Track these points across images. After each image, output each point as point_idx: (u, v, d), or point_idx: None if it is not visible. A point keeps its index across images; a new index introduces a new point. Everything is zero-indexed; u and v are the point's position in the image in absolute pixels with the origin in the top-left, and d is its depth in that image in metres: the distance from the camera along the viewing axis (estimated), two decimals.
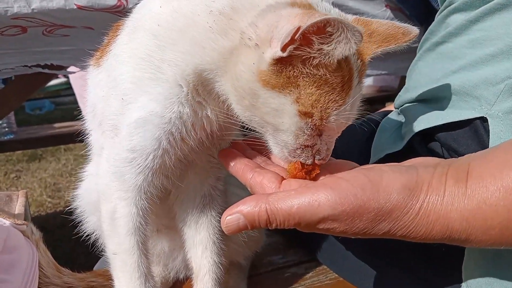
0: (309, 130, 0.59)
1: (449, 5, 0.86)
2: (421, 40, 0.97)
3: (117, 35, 0.73)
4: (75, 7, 1.13)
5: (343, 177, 0.55)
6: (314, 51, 0.54)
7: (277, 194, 0.56)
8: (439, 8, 0.98)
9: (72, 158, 3.84)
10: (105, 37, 0.80)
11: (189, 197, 0.80)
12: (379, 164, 0.60)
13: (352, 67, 0.59)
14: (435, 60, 0.87)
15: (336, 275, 0.99)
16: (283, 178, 0.63)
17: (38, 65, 1.35)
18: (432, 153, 0.80)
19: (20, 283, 0.74)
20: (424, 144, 0.82)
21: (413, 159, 0.62)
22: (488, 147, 0.70)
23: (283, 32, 0.53)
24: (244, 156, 0.70)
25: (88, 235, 0.91)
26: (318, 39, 0.53)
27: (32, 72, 1.37)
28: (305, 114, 0.58)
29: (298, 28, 0.51)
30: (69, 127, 2.67)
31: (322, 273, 1.00)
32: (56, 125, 2.69)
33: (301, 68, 0.56)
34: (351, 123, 0.63)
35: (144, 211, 0.72)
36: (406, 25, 0.66)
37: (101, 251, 0.96)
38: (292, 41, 0.53)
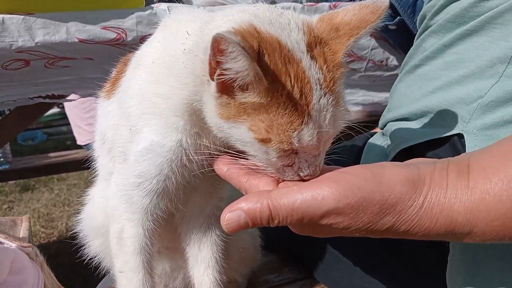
0: (275, 154, 0.59)
1: (426, 29, 0.94)
2: (402, 64, 1.05)
3: (125, 69, 0.80)
4: (77, 40, 1.19)
5: (346, 171, 0.55)
6: (229, 72, 0.55)
7: (280, 190, 0.55)
8: None
9: (65, 188, 3.84)
10: (113, 69, 0.87)
11: (193, 217, 0.84)
12: (378, 163, 0.59)
13: (307, 79, 0.57)
14: (414, 81, 0.94)
15: None
16: (278, 182, 0.62)
17: (39, 96, 1.40)
18: None
19: None
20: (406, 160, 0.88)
21: (409, 160, 0.61)
22: None
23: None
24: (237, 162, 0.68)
25: (90, 259, 0.95)
26: (223, 59, 0.54)
27: (33, 103, 1.42)
28: (263, 141, 0.58)
29: (209, 55, 0.55)
30: (64, 156, 2.70)
31: None
32: (51, 154, 2.72)
33: (241, 95, 0.57)
34: (331, 137, 0.62)
35: (150, 232, 0.77)
36: (372, 2, 0.62)
37: (99, 274, 1.00)
38: (212, 68, 0.56)
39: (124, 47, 1.28)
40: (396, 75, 1.66)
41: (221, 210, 0.82)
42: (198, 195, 0.83)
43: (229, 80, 0.56)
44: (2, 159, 2.44)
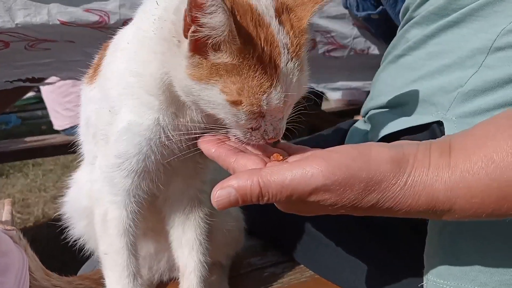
0: (244, 116, 0.61)
1: (410, 20, 0.96)
2: (384, 54, 1.07)
3: (104, 56, 0.80)
4: (58, 22, 1.17)
5: (334, 150, 0.57)
6: (205, 29, 0.56)
7: (270, 168, 0.57)
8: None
9: (40, 173, 3.78)
10: (95, 52, 0.87)
11: (176, 200, 0.86)
12: (365, 143, 0.61)
13: (276, 42, 0.59)
14: (397, 71, 0.96)
15: (312, 273, 1.05)
16: (266, 162, 0.64)
17: (19, 80, 1.38)
18: None
19: (13, 285, 0.77)
20: None
21: (394, 142, 0.64)
22: None
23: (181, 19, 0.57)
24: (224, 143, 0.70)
25: (74, 241, 0.95)
26: (200, 14, 0.55)
27: (12, 86, 1.39)
28: (234, 103, 0.60)
29: (185, 10, 0.56)
30: (40, 141, 2.66)
31: (299, 272, 1.06)
32: (27, 139, 2.67)
33: (214, 56, 0.59)
34: (294, 101, 0.65)
35: (133, 214, 0.78)
36: None
37: (79, 259, 1.00)
38: (187, 24, 0.57)
39: (106, 31, 1.27)
40: (377, 63, 1.69)
41: (204, 193, 0.86)
42: (180, 177, 0.84)
43: (203, 38, 0.57)
44: None
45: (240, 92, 0.59)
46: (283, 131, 0.65)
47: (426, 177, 0.54)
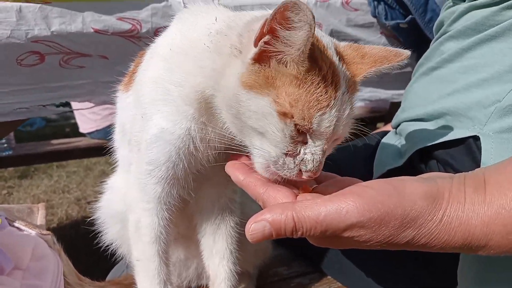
0: (290, 132, 0.60)
1: (444, 33, 0.95)
2: (416, 65, 1.06)
3: (141, 63, 0.81)
4: (92, 30, 1.20)
5: (368, 186, 0.56)
6: (281, 43, 0.57)
7: (304, 202, 0.56)
8: (433, 37, 1.07)
9: (64, 175, 3.85)
10: (132, 64, 0.88)
11: (208, 208, 0.86)
12: (398, 177, 0.60)
13: (337, 72, 0.61)
14: (430, 83, 0.96)
15: (340, 284, 1.05)
16: (296, 194, 0.63)
17: (52, 104, 1.40)
18: (430, 168, 0.87)
19: None
20: (421, 160, 0.90)
21: (425, 174, 0.64)
22: (480, 162, 0.78)
23: (256, 29, 0.59)
24: (254, 171, 0.70)
25: (106, 246, 0.97)
26: (281, 27, 0.56)
27: (46, 113, 1.41)
28: (284, 115, 0.59)
29: (265, 20, 0.56)
30: (67, 144, 2.70)
31: (326, 283, 1.06)
32: (54, 141, 2.72)
33: (277, 67, 0.59)
34: (340, 138, 0.65)
35: (165, 221, 0.79)
36: (397, 48, 0.69)
37: (104, 262, 1.01)
38: (261, 34, 0.58)
39: (138, 41, 1.29)
40: (405, 73, 1.68)
41: (234, 202, 0.87)
42: (210, 186, 0.85)
43: (273, 50, 0.58)
44: (5, 145, 2.44)
45: (294, 104, 0.58)
46: (321, 167, 0.63)
47: (462, 213, 0.53)
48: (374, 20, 1.59)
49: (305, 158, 0.62)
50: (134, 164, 0.81)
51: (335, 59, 0.62)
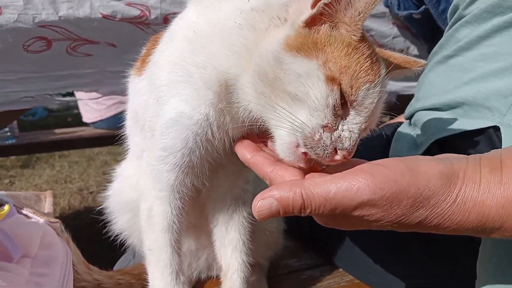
0: (334, 101, 0.57)
1: (460, 18, 0.93)
2: (430, 54, 1.04)
3: (156, 46, 0.79)
4: (100, 15, 1.17)
5: (380, 164, 0.54)
6: (343, 4, 0.57)
7: (313, 180, 0.54)
8: (446, 25, 1.05)
9: (66, 165, 3.85)
10: (142, 50, 0.86)
11: (220, 198, 0.84)
12: (411, 156, 0.59)
13: (378, 55, 0.62)
14: (446, 72, 0.93)
15: (352, 277, 1.03)
16: (305, 174, 0.61)
17: (58, 94, 1.38)
18: None
19: (59, 277, 0.77)
20: (439, 151, 0.88)
21: (439, 155, 0.61)
22: None
23: None
24: (261, 150, 0.68)
25: (116, 236, 0.95)
26: None
27: (52, 103, 1.39)
28: (332, 80, 0.57)
29: None
30: (70, 133, 2.69)
31: (338, 276, 1.04)
32: (57, 131, 2.70)
33: (329, 32, 0.59)
34: (372, 123, 0.63)
35: (177, 210, 0.77)
36: (415, 58, 0.72)
37: (108, 252, 0.99)
38: None
39: (147, 28, 1.27)
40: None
41: (247, 192, 0.85)
42: (224, 175, 0.83)
43: (329, 14, 0.58)
44: (9, 134, 2.42)
45: (343, 71, 0.57)
46: (355, 148, 0.60)
47: (477, 194, 0.51)
48: (386, 10, 1.56)
49: (342, 135, 0.59)
50: (147, 150, 0.79)
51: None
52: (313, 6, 0.58)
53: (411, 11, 1.48)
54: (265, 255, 1.00)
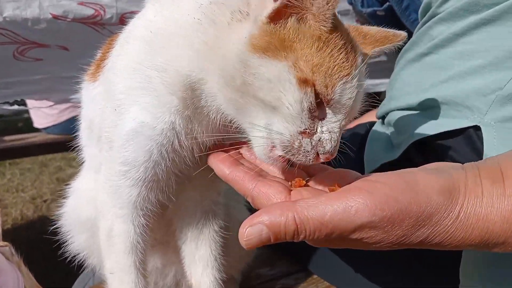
0: (309, 104, 0.52)
1: (433, 16, 0.91)
2: (402, 51, 1.01)
3: (112, 48, 0.72)
4: (50, 16, 1.08)
5: (378, 180, 0.50)
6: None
7: (306, 201, 0.50)
8: (410, 25, 1.03)
9: (18, 173, 3.65)
10: (99, 51, 0.79)
11: (189, 212, 0.78)
12: (406, 169, 0.55)
13: (354, 41, 0.57)
14: (421, 70, 0.91)
15: (328, 284, 0.99)
16: (290, 189, 0.57)
17: (6, 102, 1.26)
18: (427, 161, 0.82)
19: None
20: (417, 152, 0.85)
21: (431, 163, 0.58)
22: (482, 154, 0.73)
23: None
24: (240, 163, 0.63)
25: (73, 257, 0.87)
26: None
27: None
28: (304, 82, 0.52)
29: None
30: (21, 140, 2.53)
31: (313, 283, 1.00)
32: (7, 138, 2.53)
33: (296, 26, 0.53)
34: (352, 115, 0.58)
35: (141, 229, 0.70)
36: (393, 30, 0.68)
37: (62, 266, 0.91)
38: None
39: (102, 28, 1.18)
40: (380, 62, 1.63)
41: (218, 205, 0.80)
42: (192, 187, 0.77)
43: (294, 6, 0.52)
44: None
45: (315, 70, 0.52)
46: (337, 150, 0.56)
47: (479, 208, 0.49)
48: (350, 7, 1.53)
49: (322, 138, 0.54)
50: (105, 164, 0.72)
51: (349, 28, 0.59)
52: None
53: (375, 8, 1.46)
54: (238, 267, 0.95)
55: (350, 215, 0.47)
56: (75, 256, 0.86)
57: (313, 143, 0.55)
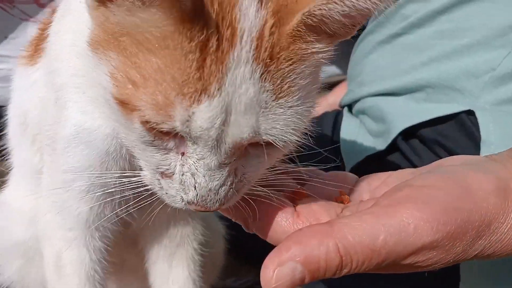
0: (142, 135, 0.37)
1: None
2: (363, 34, 0.94)
3: (50, 24, 0.56)
4: None
5: (425, 185, 0.40)
6: None
7: (345, 222, 0.38)
8: None
9: None
10: (36, 28, 0.63)
11: (160, 228, 0.64)
12: (440, 167, 0.46)
13: (234, 25, 0.34)
14: (395, 52, 0.85)
15: None
16: (294, 208, 0.43)
17: None
18: (414, 150, 0.77)
19: None
20: (403, 141, 0.78)
21: (452, 157, 0.49)
22: (478, 140, 0.69)
23: None
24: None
25: None
26: None
27: None
28: (122, 104, 0.36)
29: None
30: None
31: None
32: None
33: (118, 14, 0.35)
34: (254, 140, 0.37)
35: (98, 254, 0.57)
36: None
37: None
38: None
39: (11, 8, 0.97)
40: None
41: (196, 217, 0.65)
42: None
43: None
44: None
45: (139, 84, 0.34)
46: (228, 201, 0.40)
47: None
48: None
49: (183, 181, 0.38)
50: (47, 172, 0.57)
51: None
52: None
53: None
54: (208, 281, 0.82)
55: (408, 235, 0.37)
56: None
57: (176, 186, 0.39)
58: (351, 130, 0.89)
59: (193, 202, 0.38)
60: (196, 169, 0.37)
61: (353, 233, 0.36)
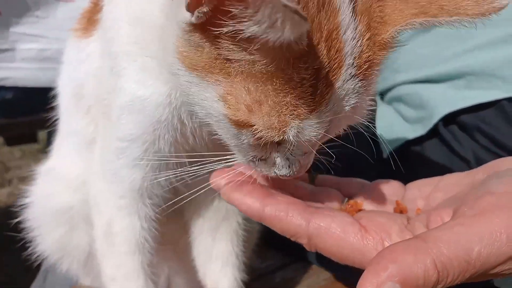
0: (251, 141, 0.40)
1: None
2: None
3: None
4: None
5: (508, 191, 0.39)
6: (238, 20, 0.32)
7: (439, 237, 0.36)
8: None
9: None
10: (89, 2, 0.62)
11: (207, 199, 0.64)
12: (498, 166, 0.45)
13: (341, 48, 0.36)
14: (435, 40, 0.85)
15: (330, 275, 0.90)
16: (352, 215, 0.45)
17: None
18: (454, 135, 0.77)
19: None
20: (444, 128, 0.79)
21: (496, 160, 0.47)
22: None
23: None
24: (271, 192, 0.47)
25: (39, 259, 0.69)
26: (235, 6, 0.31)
27: None
28: (238, 124, 0.38)
29: None
30: None
31: (315, 274, 0.90)
32: None
33: (230, 45, 0.35)
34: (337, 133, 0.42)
35: (150, 223, 0.57)
36: None
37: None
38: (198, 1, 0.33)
39: None
40: None
41: None
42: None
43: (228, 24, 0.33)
44: None
45: (254, 109, 0.37)
46: (308, 167, 0.44)
47: None
48: None
49: (277, 162, 0.43)
50: (101, 140, 0.57)
51: (345, 9, 0.36)
52: (190, 9, 0.34)
53: None
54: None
55: (501, 245, 0.36)
56: (43, 258, 0.68)
57: (268, 165, 0.44)
58: (387, 117, 0.90)
59: (285, 176, 0.43)
60: (293, 155, 0.42)
61: (448, 247, 0.36)
